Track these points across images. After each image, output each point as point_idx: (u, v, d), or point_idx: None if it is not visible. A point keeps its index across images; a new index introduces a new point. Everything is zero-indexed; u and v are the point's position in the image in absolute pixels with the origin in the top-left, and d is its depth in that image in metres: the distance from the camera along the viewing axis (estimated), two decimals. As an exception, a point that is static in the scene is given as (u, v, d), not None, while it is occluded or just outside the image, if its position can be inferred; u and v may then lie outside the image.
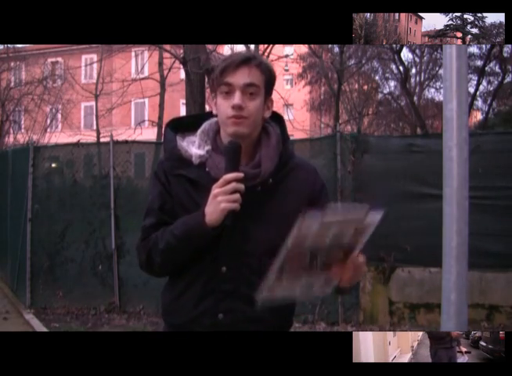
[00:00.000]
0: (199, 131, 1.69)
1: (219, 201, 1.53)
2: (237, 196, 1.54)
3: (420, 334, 10.99)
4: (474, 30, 23.21)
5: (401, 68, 17.02)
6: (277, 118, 1.75)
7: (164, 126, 1.76)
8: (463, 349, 5.39)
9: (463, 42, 22.83)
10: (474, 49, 16.63)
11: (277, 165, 1.65)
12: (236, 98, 1.59)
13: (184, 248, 1.61)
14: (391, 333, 8.08)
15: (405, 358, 9.16)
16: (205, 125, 1.69)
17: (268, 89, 1.66)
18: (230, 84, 1.60)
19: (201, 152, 1.65)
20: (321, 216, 1.37)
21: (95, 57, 20.46)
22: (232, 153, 1.56)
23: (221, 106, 1.62)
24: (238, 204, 1.54)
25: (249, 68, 1.60)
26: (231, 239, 1.61)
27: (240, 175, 1.54)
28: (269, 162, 1.64)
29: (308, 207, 1.62)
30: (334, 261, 1.48)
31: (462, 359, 5.37)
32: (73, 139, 7.94)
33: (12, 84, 17.38)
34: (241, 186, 1.54)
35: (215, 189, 1.55)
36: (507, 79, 16.46)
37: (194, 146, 1.66)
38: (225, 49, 18.44)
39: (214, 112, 1.67)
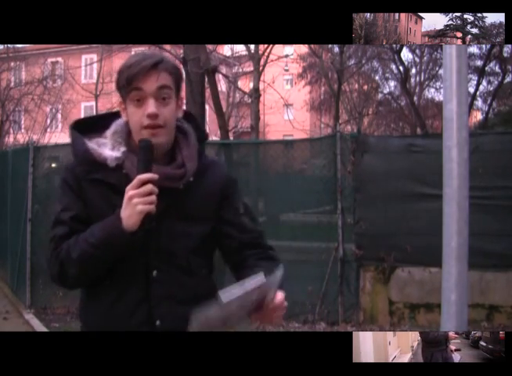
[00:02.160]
0: (109, 132, 1.62)
1: (135, 204, 1.46)
2: (153, 197, 1.47)
3: (420, 334, 10.97)
4: (474, 30, 23.19)
5: (401, 68, 17.04)
6: (189, 117, 1.71)
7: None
8: (453, 348, 5.38)
9: (463, 42, 22.82)
10: (474, 49, 16.65)
11: (197, 164, 1.63)
12: (150, 106, 1.52)
13: (101, 256, 1.51)
14: (391, 333, 8.07)
15: (405, 358, 9.15)
16: (116, 126, 1.63)
17: (178, 88, 1.62)
18: (141, 90, 1.53)
19: (117, 154, 1.57)
20: (219, 301, 1.34)
21: (95, 57, 20.48)
22: (145, 153, 1.50)
23: (134, 115, 1.55)
24: (154, 207, 1.47)
25: (158, 72, 1.54)
26: (158, 241, 1.56)
27: (155, 176, 1.48)
28: (192, 162, 1.61)
29: (223, 201, 1.67)
30: (249, 314, 1.44)
31: (455, 357, 5.37)
32: (73, 139, 7.90)
33: (12, 84, 17.37)
34: (156, 189, 1.48)
35: (130, 191, 1.47)
36: (507, 79, 16.47)
37: (107, 148, 1.59)
38: (225, 49, 18.46)
39: (125, 119, 1.60)
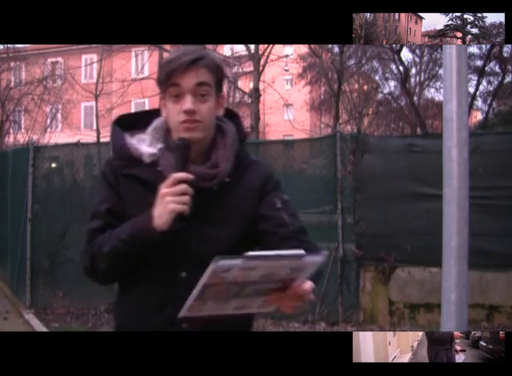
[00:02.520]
0: (150, 128, 1.61)
1: (168, 202, 1.44)
2: (187, 198, 1.45)
3: (420, 334, 10.97)
4: (474, 30, 23.20)
5: (401, 68, 17.02)
6: (232, 116, 1.69)
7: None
8: (458, 348, 5.39)
9: (463, 42, 22.82)
10: (474, 49, 16.64)
11: (233, 164, 1.59)
12: (188, 102, 1.51)
13: (131, 253, 1.51)
14: (391, 333, 8.07)
15: (405, 358, 9.15)
16: (156, 123, 1.62)
17: (219, 86, 1.59)
18: (179, 86, 1.52)
19: (153, 150, 1.57)
20: (241, 262, 1.21)
21: (95, 57, 20.44)
22: (182, 152, 1.49)
23: (172, 111, 1.54)
24: (187, 207, 1.45)
25: (197, 69, 1.52)
26: (188, 242, 1.53)
27: (190, 176, 1.46)
28: (226, 162, 1.57)
29: (261, 200, 1.61)
30: (269, 291, 1.32)
31: (458, 358, 5.38)
32: (73, 139, 7.93)
33: (12, 84, 17.36)
34: (190, 189, 1.45)
35: (164, 189, 1.45)
36: (507, 79, 16.46)
37: (145, 144, 1.58)
38: (225, 49, 18.45)
39: (164, 115, 1.59)
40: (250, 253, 1.24)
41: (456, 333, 5.06)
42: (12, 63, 17.86)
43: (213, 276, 1.22)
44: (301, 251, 1.29)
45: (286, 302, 1.35)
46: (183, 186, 1.45)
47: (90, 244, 1.56)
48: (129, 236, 1.49)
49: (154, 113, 1.64)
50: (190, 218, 1.48)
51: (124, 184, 1.58)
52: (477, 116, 20.99)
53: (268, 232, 1.61)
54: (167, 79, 1.53)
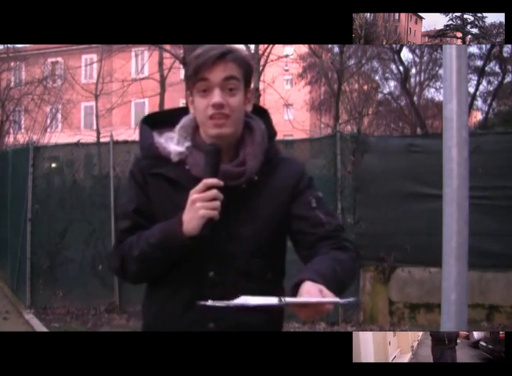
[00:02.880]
0: (178, 126, 1.59)
1: (198, 208, 1.42)
2: (217, 203, 1.43)
3: (420, 334, 10.98)
4: (474, 30, 23.20)
5: (401, 68, 17.03)
6: (261, 112, 1.66)
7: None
8: (463, 334, 5.38)
9: (463, 42, 22.82)
10: (474, 49, 16.63)
11: (262, 162, 1.56)
12: (216, 96, 1.48)
13: (160, 258, 1.50)
14: (391, 333, 8.08)
15: (405, 358, 9.16)
16: (184, 121, 1.59)
17: (248, 81, 1.57)
18: (207, 80, 1.49)
19: (180, 148, 1.54)
20: (278, 304, 1.27)
21: (95, 57, 20.44)
22: (213, 157, 1.46)
23: (200, 105, 1.51)
24: (217, 213, 1.44)
25: (225, 63, 1.50)
26: (217, 241, 1.51)
27: (221, 182, 1.44)
28: (254, 160, 1.54)
29: (294, 199, 1.58)
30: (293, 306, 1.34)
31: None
32: (73, 139, 7.94)
33: (12, 84, 17.35)
34: (221, 195, 1.44)
35: (194, 195, 1.44)
36: (507, 79, 16.47)
37: (173, 143, 1.56)
38: (225, 49, 18.43)
39: (192, 112, 1.57)
40: (288, 300, 1.28)
41: (462, 332, 5.05)
42: (12, 63, 17.85)
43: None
44: (337, 299, 1.31)
45: (305, 311, 1.34)
46: (213, 192, 1.43)
47: (119, 246, 1.56)
48: (158, 241, 1.48)
49: (183, 111, 1.61)
50: (218, 216, 1.46)
51: (152, 183, 1.56)
52: (477, 116, 20.97)
53: (304, 232, 1.58)
54: (195, 74, 1.50)
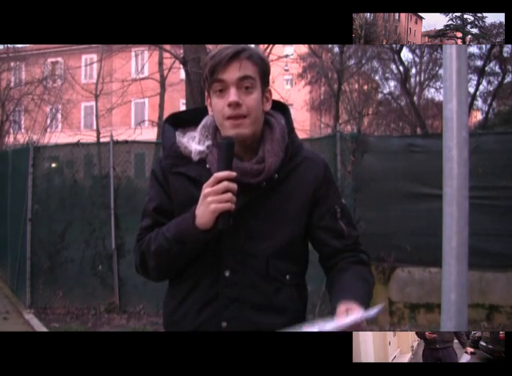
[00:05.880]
0: (200, 125, 1.59)
1: (209, 202, 1.42)
2: (229, 195, 1.42)
3: (420, 334, 10.95)
4: (474, 30, 23.18)
5: (401, 68, 16.99)
6: (281, 108, 1.64)
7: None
8: (469, 350, 5.36)
9: (463, 42, 22.81)
10: (474, 49, 16.60)
11: (283, 160, 1.54)
12: (232, 95, 1.47)
13: (176, 252, 1.50)
14: (391, 333, 8.07)
15: (405, 358, 9.16)
16: (206, 120, 1.59)
17: (265, 80, 1.56)
18: (223, 80, 1.49)
19: (201, 147, 1.55)
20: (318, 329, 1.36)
21: (95, 57, 20.45)
22: (225, 150, 1.45)
23: (217, 106, 1.51)
24: (231, 205, 1.43)
25: (240, 61, 1.49)
26: (234, 240, 1.50)
27: (233, 173, 1.43)
28: (274, 157, 1.52)
29: (317, 203, 1.58)
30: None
31: (465, 358, 5.36)
32: (73, 139, 7.93)
33: (12, 84, 17.36)
34: (233, 186, 1.43)
35: (206, 189, 1.44)
36: (507, 79, 16.43)
37: (194, 142, 1.56)
38: (225, 49, 18.42)
39: (211, 113, 1.57)
40: (328, 327, 1.40)
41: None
42: (12, 63, 17.86)
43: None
44: (371, 313, 1.40)
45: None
46: (224, 184, 1.42)
47: (139, 243, 1.58)
48: (173, 235, 1.49)
49: (206, 111, 1.61)
50: (237, 215, 1.46)
51: (174, 182, 1.57)
52: (477, 116, 20.96)
53: (326, 242, 1.61)
54: (210, 75, 1.50)
